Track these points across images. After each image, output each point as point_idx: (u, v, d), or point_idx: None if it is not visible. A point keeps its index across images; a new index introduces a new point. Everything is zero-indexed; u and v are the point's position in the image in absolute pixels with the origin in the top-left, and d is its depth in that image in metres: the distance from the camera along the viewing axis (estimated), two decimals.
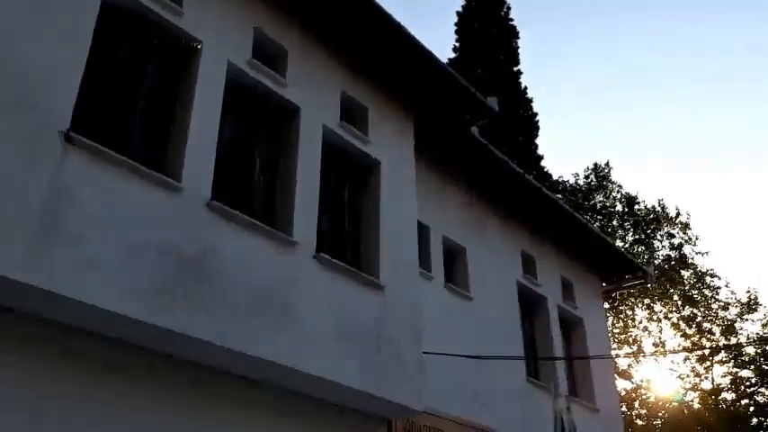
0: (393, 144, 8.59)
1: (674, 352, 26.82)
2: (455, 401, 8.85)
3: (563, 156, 55.62)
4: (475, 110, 9.43)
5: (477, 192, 10.99)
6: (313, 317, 6.55)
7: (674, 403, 26.78)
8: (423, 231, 9.36)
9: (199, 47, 6.41)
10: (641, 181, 56.31)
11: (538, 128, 23.32)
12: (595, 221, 26.39)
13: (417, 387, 7.48)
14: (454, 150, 10.20)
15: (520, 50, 24.05)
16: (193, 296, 5.56)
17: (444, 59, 22.82)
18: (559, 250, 12.55)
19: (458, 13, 24.57)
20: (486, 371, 9.36)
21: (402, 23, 7.88)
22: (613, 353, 24.54)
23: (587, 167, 28.16)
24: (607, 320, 26.74)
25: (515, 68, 23.64)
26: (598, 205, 27.26)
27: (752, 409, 26.39)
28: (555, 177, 25.81)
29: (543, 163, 23.24)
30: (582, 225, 12.45)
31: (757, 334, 25.65)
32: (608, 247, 13.22)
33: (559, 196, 23.90)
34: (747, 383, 26.48)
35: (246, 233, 6.20)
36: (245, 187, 6.83)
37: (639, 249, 26.90)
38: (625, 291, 21.86)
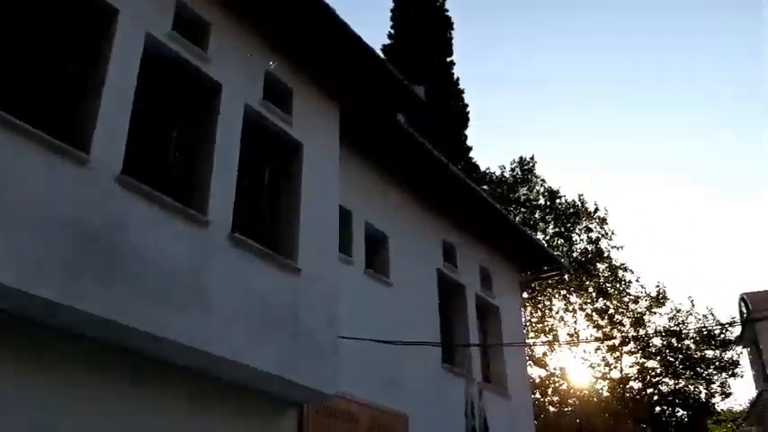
0: (317, 127, 8.52)
1: (587, 341, 27.87)
2: (369, 386, 8.92)
3: (494, 148, 56.73)
4: (402, 98, 9.44)
5: (401, 179, 11.05)
6: (226, 298, 6.44)
7: (584, 391, 27.88)
8: (345, 216, 9.35)
9: (115, 15, 6.14)
10: (563, 176, 58.23)
11: (468, 119, 23.63)
12: (519, 213, 27.04)
13: (331, 371, 7.48)
14: (380, 137, 10.20)
15: (454, 41, 24.27)
16: (100, 274, 5.36)
17: (379, 45, 22.92)
18: (480, 240, 12.79)
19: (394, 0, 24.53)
20: (401, 356, 9.47)
21: (330, 5, 7.78)
22: (530, 341, 25.36)
23: (513, 161, 28.79)
24: (524, 310, 27.55)
25: (448, 59, 23.83)
26: (522, 198, 27.93)
27: (656, 397, 27.82)
28: (482, 169, 26.28)
29: (472, 154, 23.62)
30: (503, 217, 12.73)
31: (664, 327, 26.97)
32: (527, 239, 13.58)
33: (485, 188, 24.35)
34: (653, 373, 27.86)
35: (158, 210, 6.01)
36: (159, 163, 6.62)
37: (559, 242, 27.76)
38: (543, 282, 22.52)
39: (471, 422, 9.47)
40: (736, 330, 23.44)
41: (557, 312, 28.45)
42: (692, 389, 27.49)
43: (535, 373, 28.84)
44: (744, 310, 20.48)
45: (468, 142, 23.47)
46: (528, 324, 28.65)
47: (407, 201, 11.20)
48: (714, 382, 27.26)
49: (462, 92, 23.74)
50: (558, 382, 28.24)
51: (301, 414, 7.80)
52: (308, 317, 7.37)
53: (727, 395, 32.99)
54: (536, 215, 27.83)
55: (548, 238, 27.47)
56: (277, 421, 7.47)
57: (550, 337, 27.67)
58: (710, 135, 54.18)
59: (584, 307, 27.43)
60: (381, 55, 9.42)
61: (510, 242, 13.18)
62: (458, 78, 23.74)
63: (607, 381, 28.31)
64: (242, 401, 7.00)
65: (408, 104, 9.81)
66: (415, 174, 11.07)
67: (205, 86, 7.11)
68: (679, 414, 28.05)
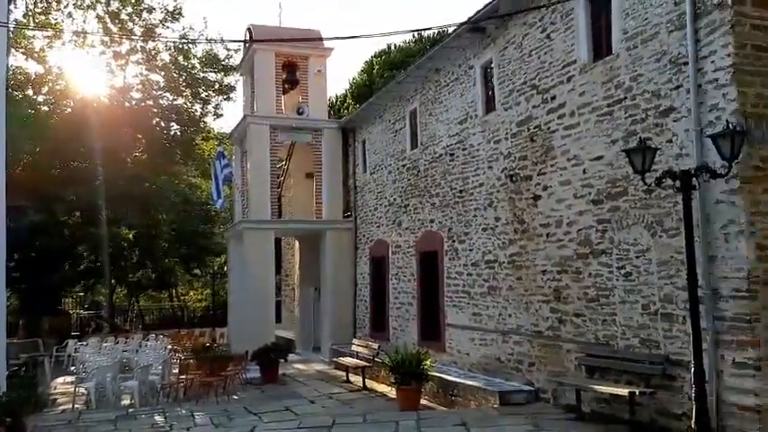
0: None
1: (88, 34, 26.23)
2: None
3: None
4: None
5: None
6: None
7: (84, 96, 26.97)
8: None
9: None
10: None
11: None
12: None
13: None
14: None
15: None
16: None
17: None
18: None
19: None
20: None
21: None
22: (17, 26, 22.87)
23: None
24: None
25: None
26: None
27: (155, 110, 28.69)
28: None
29: None
30: None
31: (174, 42, 27.19)
32: None
33: None
34: (156, 87, 28.48)
35: None
36: None
37: None
38: None
39: None
40: (240, 58, 25.14)
41: (65, 6, 25.97)
42: (189, 106, 29.19)
43: (31, 68, 26.56)
44: (248, 39, 21.83)
45: None
46: (30, 14, 25.56)
47: None
48: (210, 103, 29.44)
49: None
50: (57, 81, 26.59)
51: None
52: None
53: (219, 116, 36.35)
54: None
55: None
56: None
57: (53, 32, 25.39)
58: None
59: (96, 6, 25.61)
60: None
61: None
62: None
63: (109, 88, 27.87)
64: None
65: None
66: None
67: None
68: (173, 128, 29.76)
